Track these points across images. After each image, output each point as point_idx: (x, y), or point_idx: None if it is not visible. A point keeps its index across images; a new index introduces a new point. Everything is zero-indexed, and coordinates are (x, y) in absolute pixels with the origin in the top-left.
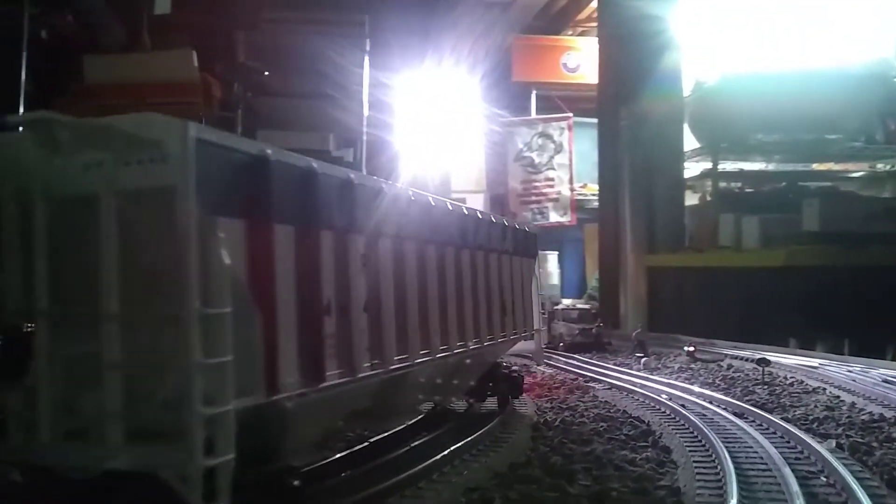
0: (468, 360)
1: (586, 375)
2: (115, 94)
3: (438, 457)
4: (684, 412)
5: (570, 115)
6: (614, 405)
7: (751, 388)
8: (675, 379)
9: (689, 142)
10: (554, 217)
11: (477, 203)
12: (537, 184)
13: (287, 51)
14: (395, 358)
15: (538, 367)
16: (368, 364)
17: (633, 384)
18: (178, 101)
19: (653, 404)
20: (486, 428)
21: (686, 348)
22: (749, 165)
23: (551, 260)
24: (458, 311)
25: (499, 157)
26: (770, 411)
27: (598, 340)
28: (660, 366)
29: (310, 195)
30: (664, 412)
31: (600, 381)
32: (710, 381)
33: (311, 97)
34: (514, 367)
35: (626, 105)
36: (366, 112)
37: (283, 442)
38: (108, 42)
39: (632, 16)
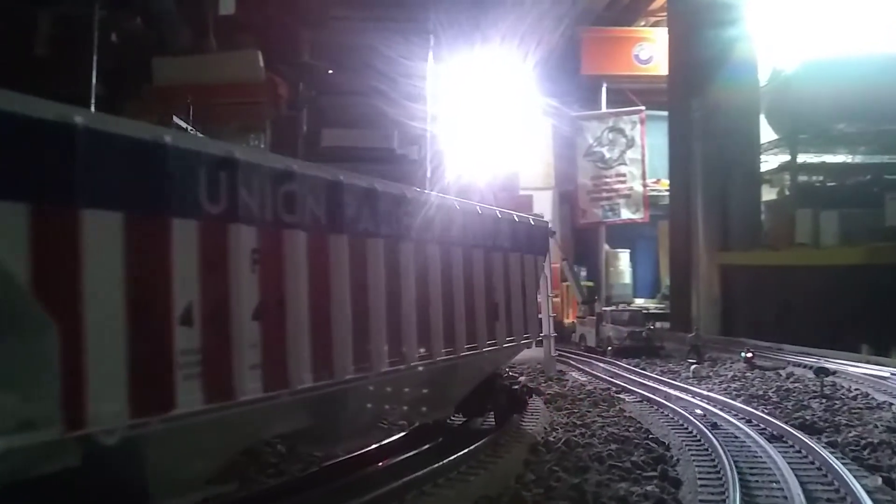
0: (445, 373)
1: (620, 385)
2: (183, 95)
3: (384, 490)
4: (712, 434)
5: (643, 108)
6: (637, 422)
7: (805, 403)
8: (723, 390)
9: (766, 133)
10: (626, 214)
11: (545, 200)
12: (608, 179)
13: (351, 49)
14: (310, 375)
15: (573, 375)
16: (260, 385)
17: (670, 396)
18: (244, 101)
19: (682, 422)
20: (468, 449)
21: (744, 354)
22: (831, 157)
23: (623, 258)
24: (420, 317)
25: (568, 153)
26: (818, 433)
27: (648, 344)
28: (711, 374)
29: (153, 176)
30: (691, 432)
31: (634, 392)
32: (762, 392)
33: (375, 95)
34: (519, 380)
35: (697, 96)
36: (430, 109)
37: (130, 483)
38: (176, 43)
39: (703, 3)
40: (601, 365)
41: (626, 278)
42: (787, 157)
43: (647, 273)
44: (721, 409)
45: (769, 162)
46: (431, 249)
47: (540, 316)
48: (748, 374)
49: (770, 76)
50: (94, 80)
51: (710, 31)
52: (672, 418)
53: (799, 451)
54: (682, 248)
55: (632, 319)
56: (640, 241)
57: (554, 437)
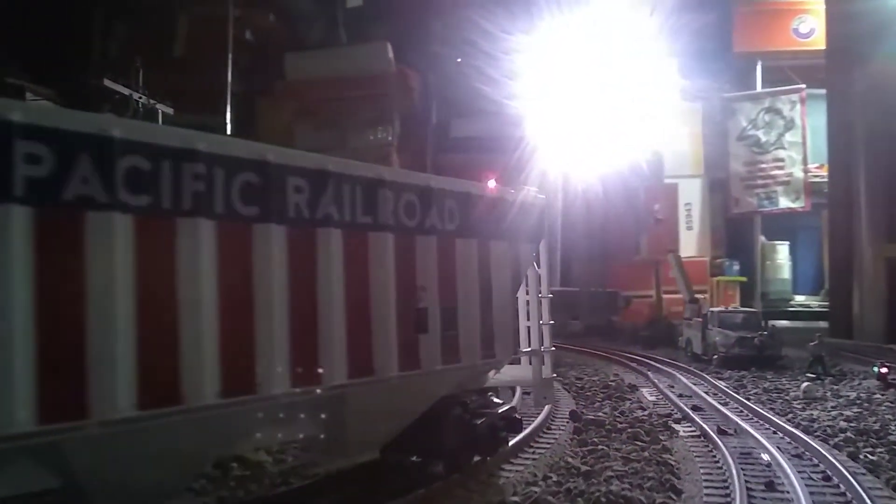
0: (322, 408)
1: (687, 409)
2: (314, 89)
3: None
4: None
5: (803, 86)
6: (670, 471)
7: None
8: (829, 419)
9: None
10: (784, 202)
11: (693, 188)
12: (764, 165)
13: (477, 36)
14: None
15: (642, 392)
16: None
17: (742, 430)
18: (374, 93)
19: (726, 476)
20: None
21: (877, 369)
22: None
23: (781, 251)
24: (229, 329)
25: (719, 137)
26: None
27: (761, 353)
28: (828, 393)
29: None
30: (729, 495)
31: (695, 423)
32: (879, 426)
33: (500, 82)
34: (496, 411)
35: (860, 66)
36: (559, 94)
37: None
38: (307, 38)
39: None
40: (684, 380)
41: (785, 273)
42: None
43: (809, 267)
44: (796, 456)
45: None
46: (272, 233)
47: (528, 324)
48: (877, 395)
49: None
50: (229, 79)
51: None
52: (720, 467)
53: None
54: (842, 240)
55: (746, 323)
56: (801, 232)
57: (525, 494)
